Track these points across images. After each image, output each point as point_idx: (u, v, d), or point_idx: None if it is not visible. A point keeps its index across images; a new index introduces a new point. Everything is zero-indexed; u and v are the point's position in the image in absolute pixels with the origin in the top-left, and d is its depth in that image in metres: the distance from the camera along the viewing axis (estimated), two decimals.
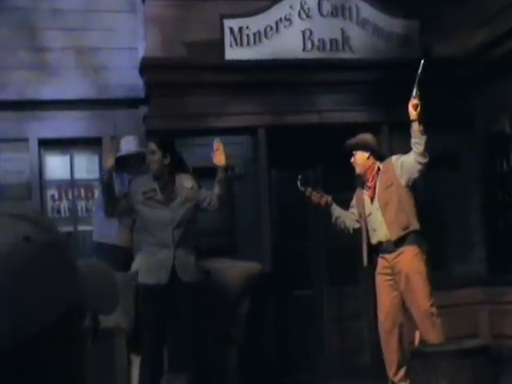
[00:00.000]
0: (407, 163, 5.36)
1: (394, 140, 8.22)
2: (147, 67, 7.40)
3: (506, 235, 8.02)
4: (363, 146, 5.74)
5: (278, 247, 7.73)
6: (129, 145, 6.31)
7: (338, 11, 8.14)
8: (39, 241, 0.91)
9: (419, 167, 5.29)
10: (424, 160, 5.24)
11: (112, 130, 6.92)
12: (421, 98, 5.53)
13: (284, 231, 8.04)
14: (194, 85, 7.46)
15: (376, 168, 5.55)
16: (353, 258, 8.27)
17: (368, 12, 8.19)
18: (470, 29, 8.50)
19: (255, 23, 7.82)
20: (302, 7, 8.03)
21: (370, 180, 5.53)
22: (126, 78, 7.26)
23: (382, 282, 5.46)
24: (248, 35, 7.80)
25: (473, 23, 8.51)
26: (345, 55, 8.06)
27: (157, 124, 7.34)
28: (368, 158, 5.62)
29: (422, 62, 5.68)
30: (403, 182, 5.35)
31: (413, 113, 5.42)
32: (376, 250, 5.53)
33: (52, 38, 7.40)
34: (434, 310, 5.33)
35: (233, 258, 6.70)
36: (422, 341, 5.61)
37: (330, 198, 5.91)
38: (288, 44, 7.87)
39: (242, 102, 7.63)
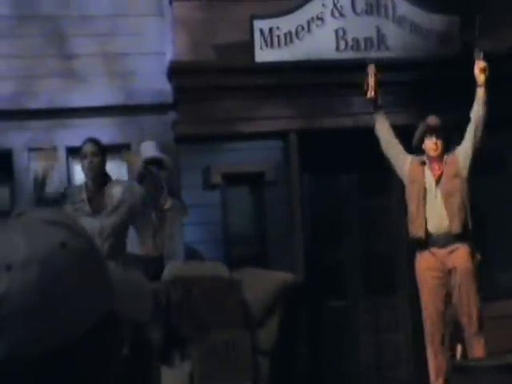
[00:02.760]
0: (464, 147, 5.48)
1: None
2: (175, 71, 7.60)
3: None
4: (445, 132, 5.71)
5: (310, 256, 7.81)
6: (148, 150, 6.50)
7: (373, 9, 8.23)
8: (75, 247, 0.94)
9: (477, 138, 5.43)
10: (481, 127, 5.39)
11: (140, 136, 7.15)
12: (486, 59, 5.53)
13: (317, 239, 8.08)
14: (224, 89, 7.60)
15: (444, 157, 5.57)
16: (389, 267, 8.37)
17: (405, 8, 8.24)
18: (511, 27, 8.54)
19: (286, 23, 7.94)
20: (334, 5, 8.12)
21: (437, 169, 5.51)
22: (153, 82, 7.47)
23: (430, 279, 5.35)
24: (279, 36, 7.94)
25: None
26: (380, 54, 8.12)
27: (186, 129, 7.51)
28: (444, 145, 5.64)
29: (479, 18, 5.73)
30: (464, 172, 5.45)
31: (480, 77, 5.48)
32: (420, 243, 5.46)
33: (80, 45, 7.57)
34: (481, 321, 5.38)
35: (264, 267, 6.87)
36: (463, 354, 5.66)
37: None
38: (320, 44, 7.92)
39: (272, 106, 7.71)
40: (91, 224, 5.10)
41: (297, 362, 6.96)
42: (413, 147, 5.78)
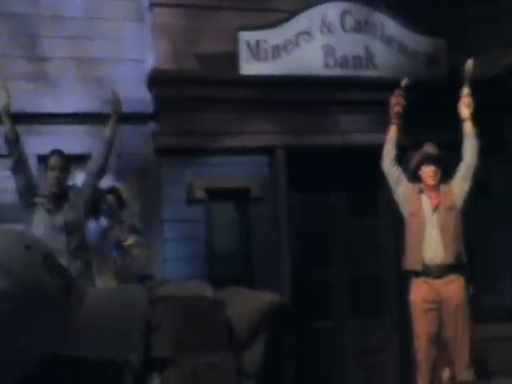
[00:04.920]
0: (459, 181, 5.58)
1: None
2: (156, 80, 7.50)
3: None
4: (443, 161, 5.79)
5: (297, 276, 7.71)
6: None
7: (362, 27, 8.33)
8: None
9: (470, 173, 5.53)
10: (474, 161, 5.48)
11: (118, 147, 7.04)
12: (472, 95, 5.57)
13: (304, 259, 7.99)
14: (207, 101, 7.50)
15: (441, 187, 5.66)
16: (377, 289, 8.28)
17: (393, 28, 8.34)
18: (498, 49, 8.75)
19: (273, 36, 7.93)
20: (323, 21, 8.24)
21: (435, 198, 5.60)
22: (132, 91, 7.30)
23: (424, 309, 5.43)
24: (266, 49, 7.93)
25: (502, 43, 8.79)
26: (369, 73, 8.24)
27: (167, 142, 7.34)
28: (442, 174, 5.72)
29: (472, 60, 5.86)
30: (459, 204, 5.56)
31: (465, 111, 5.60)
32: (416, 273, 5.52)
33: (52, 47, 7.33)
34: (472, 354, 5.39)
35: (249, 287, 6.76)
36: (451, 377, 5.72)
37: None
38: (308, 60, 7.91)
39: (258, 121, 7.65)
40: (51, 221, 5.46)
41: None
42: (409, 174, 5.77)
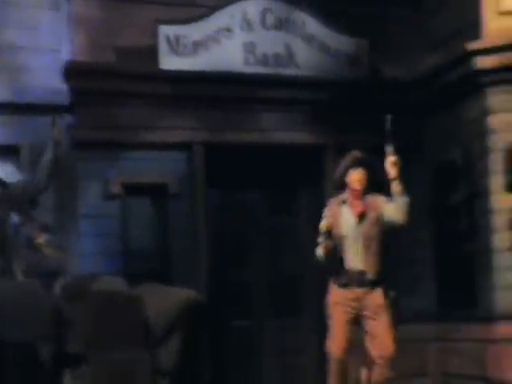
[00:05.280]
0: (390, 214, 5.43)
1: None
2: (72, 72, 7.27)
3: (456, 269, 8.18)
4: (370, 167, 5.55)
5: (215, 274, 7.66)
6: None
7: (283, 24, 8.31)
8: None
9: (396, 226, 5.44)
10: (402, 222, 5.38)
11: (32, 138, 6.87)
12: (396, 153, 5.36)
13: (222, 257, 7.94)
14: (125, 95, 7.32)
15: (367, 198, 5.48)
16: (296, 289, 8.22)
17: (314, 27, 8.31)
18: (419, 52, 8.82)
19: (193, 31, 7.82)
20: (243, 18, 8.22)
21: (358, 207, 5.46)
22: (48, 81, 7.14)
23: (343, 313, 5.39)
24: (185, 44, 7.90)
25: (423, 46, 8.90)
26: (289, 72, 8.17)
27: (83, 135, 7.16)
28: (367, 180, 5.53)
29: (390, 117, 5.81)
30: (385, 225, 5.45)
31: (392, 171, 5.35)
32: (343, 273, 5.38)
33: None
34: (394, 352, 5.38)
35: (165, 283, 6.65)
36: (368, 378, 5.78)
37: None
38: (228, 56, 7.87)
39: (177, 116, 7.56)
40: None
41: (199, 383, 6.80)
42: (336, 180, 5.59)
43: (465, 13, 8.15)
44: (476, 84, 7.85)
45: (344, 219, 5.36)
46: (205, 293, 7.11)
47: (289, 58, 8.26)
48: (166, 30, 7.77)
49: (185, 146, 7.73)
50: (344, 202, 5.44)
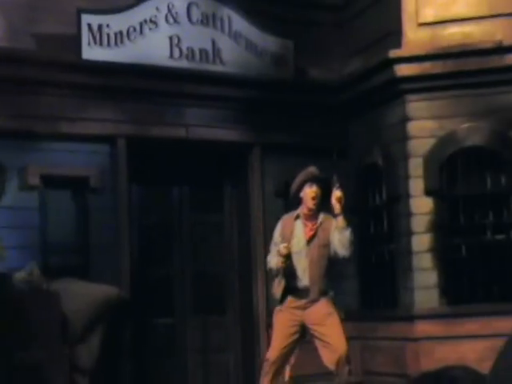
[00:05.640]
0: (335, 243, 5.54)
1: (265, 163, 8.48)
2: None
3: (377, 270, 8.38)
4: (324, 185, 5.66)
5: (137, 270, 7.54)
6: None
7: (209, 20, 8.25)
8: None
9: (343, 257, 5.56)
10: (346, 255, 5.50)
11: None
12: (342, 188, 5.48)
13: (145, 253, 7.83)
14: (45, 84, 7.06)
15: (320, 217, 5.62)
16: (220, 286, 8.20)
17: (241, 25, 8.26)
18: (344, 56, 8.98)
19: (117, 22, 7.60)
20: (169, 11, 8.08)
21: (310, 229, 5.60)
22: None
23: (287, 319, 5.56)
24: (109, 34, 7.67)
25: (347, 51, 9.04)
26: (215, 68, 8.09)
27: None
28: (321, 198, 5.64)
29: (336, 150, 5.97)
30: (331, 252, 5.58)
31: (337, 206, 5.45)
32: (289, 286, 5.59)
33: None
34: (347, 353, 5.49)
35: (85, 279, 6.51)
36: (291, 376, 5.86)
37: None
38: (153, 49, 7.72)
39: (99, 108, 7.37)
40: None
41: (120, 382, 6.65)
42: (291, 194, 5.74)
43: (386, 21, 8.32)
44: (397, 91, 8.05)
45: (296, 236, 5.55)
46: (127, 289, 6.98)
47: (215, 54, 8.20)
48: (88, 19, 7.57)
49: (107, 139, 7.54)
50: (298, 217, 5.60)
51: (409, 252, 7.91)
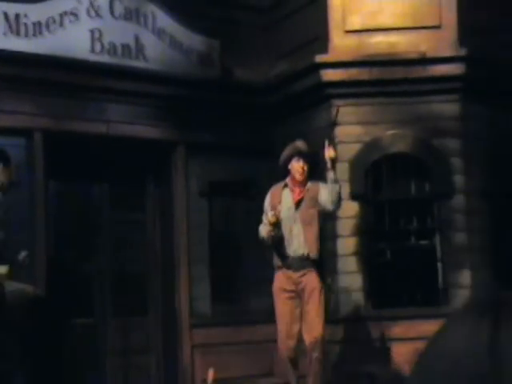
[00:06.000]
0: (322, 199, 5.86)
1: (190, 162, 8.32)
2: None
3: None
4: (312, 158, 6.01)
5: (54, 268, 7.28)
6: None
7: (132, 15, 8.07)
8: None
9: (329, 211, 5.92)
10: (333, 208, 5.89)
11: None
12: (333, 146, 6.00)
13: (63, 251, 7.60)
14: None
15: (308, 184, 5.93)
16: (142, 287, 8.06)
17: (165, 22, 8.15)
18: (271, 58, 8.97)
19: (36, 12, 7.38)
20: (91, 3, 7.84)
21: (298, 193, 5.90)
22: None
23: (284, 298, 5.89)
24: (26, 24, 7.41)
25: (274, 53, 9.03)
26: (138, 64, 7.96)
27: None
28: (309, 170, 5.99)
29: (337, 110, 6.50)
30: (320, 209, 5.89)
31: (329, 162, 5.88)
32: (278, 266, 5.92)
33: None
34: (322, 339, 5.78)
35: None
36: (215, 379, 5.90)
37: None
38: (74, 42, 7.50)
39: (16, 100, 7.10)
40: None
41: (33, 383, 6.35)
42: (280, 166, 6.08)
43: (314, 27, 8.40)
44: (323, 95, 8.13)
45: (284, 203, 5.87)
46: (43, 287, 6.70)
47: (138, 50, 8.01)
48: (3, 7, 7.28)
49: (24, 133, 7.26)
50: (286, 185, 5.96)
51: (334, 255, 7.88)
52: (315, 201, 5.84)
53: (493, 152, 8.22)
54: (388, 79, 7.97)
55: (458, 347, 0.90)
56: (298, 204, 5.86)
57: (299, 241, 5.81)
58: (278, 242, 5.80)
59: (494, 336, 0.90)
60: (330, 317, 7.79)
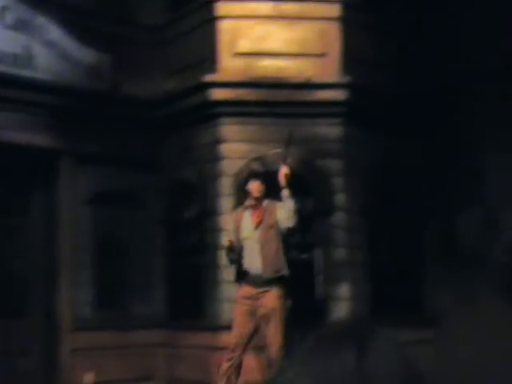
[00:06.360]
0: (280, 217, 6.17)
1: (77, 171, 8.39)
2: None
3: (186, 281, 8.60)
4: (267, 178, 6.38)
5: None
6: None
7: (23, 26, 8.20)
8: None
9: (286, 228, 6.20)
10: (290, 225, 6.15)
11: None
12: (289, 165, 6.36)
13: None
14: None
15: (265, 204, 6.23)
16: (22, 289, 8.04)
17: (56, 34, 8.24)
18: (161, 75, 9.21)
19: None
20: None
21: (257, 216, 6.20)
22: None
23: (242, 308, 6.16)
24: None
25: (165, 70, 9.24)
26: (27, 73, 8.08)
27: None
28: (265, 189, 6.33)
29: (290, 132, 6.66)
30: (280, 228, 6.20)
31: (283, 181, 6.21)
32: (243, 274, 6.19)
33: None
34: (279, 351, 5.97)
35: None
36: (93, 382, 5.92)
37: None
38: None
39: None
40: None
41: None
42: (240, 187, 6.59)
43: (203, 47, 8.70)
44: (210, 113, 8.44)
45: (245, 224, 6.19)
46: None
47: (27, 59, 8.11)
48: None
49: None
50: (247, 207, 6.28)
51: (216, 265, 8.09)
52: (273, 220, 6.15)
53: (372, 173, 8.61)
54: (274, 101, 8.28)
55: (325, 370, 0.92)
56: (258, 225, 6.18)
57: (258, 260, 6.11)
58: (235, 262, 6.18)
59: (360, 363, 0.91)
60: (209, 325, 8.02)
